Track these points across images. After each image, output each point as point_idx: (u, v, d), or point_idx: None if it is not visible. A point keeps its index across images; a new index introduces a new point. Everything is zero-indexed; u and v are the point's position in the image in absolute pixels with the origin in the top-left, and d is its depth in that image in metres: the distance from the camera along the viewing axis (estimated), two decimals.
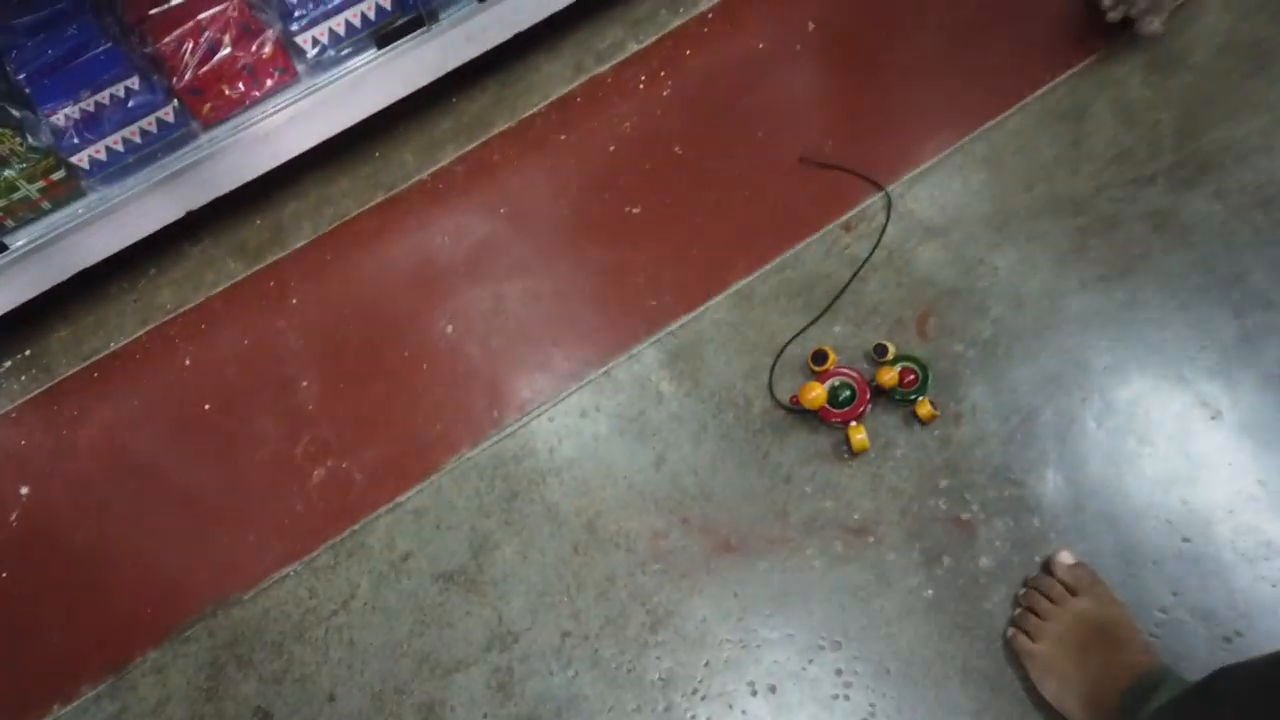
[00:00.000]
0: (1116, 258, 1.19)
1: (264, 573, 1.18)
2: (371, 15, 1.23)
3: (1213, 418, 1.08)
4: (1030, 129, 1.29)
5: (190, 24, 1.15)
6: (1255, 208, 1.17)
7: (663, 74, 1.43)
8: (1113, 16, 1.26)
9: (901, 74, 1.38)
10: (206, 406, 1.29)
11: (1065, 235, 1.21)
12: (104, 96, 1.12)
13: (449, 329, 1.30)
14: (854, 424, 1.10)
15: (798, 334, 1.21)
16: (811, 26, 1.43)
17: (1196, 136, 1.24)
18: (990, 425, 1.11)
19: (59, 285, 1.28)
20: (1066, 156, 1.26)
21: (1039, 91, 1.31)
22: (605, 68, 1.45)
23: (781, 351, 1.20)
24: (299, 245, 1.38)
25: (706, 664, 1.06)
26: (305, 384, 1.29)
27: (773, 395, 1.18)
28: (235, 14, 1.16)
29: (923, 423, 1.12)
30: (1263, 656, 0.69)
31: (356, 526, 1.20)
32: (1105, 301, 1.16)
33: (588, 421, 1.21)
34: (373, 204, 1.40)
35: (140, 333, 1.35)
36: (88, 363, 1.33)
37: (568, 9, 1.39)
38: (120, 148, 1.17)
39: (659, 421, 1.20)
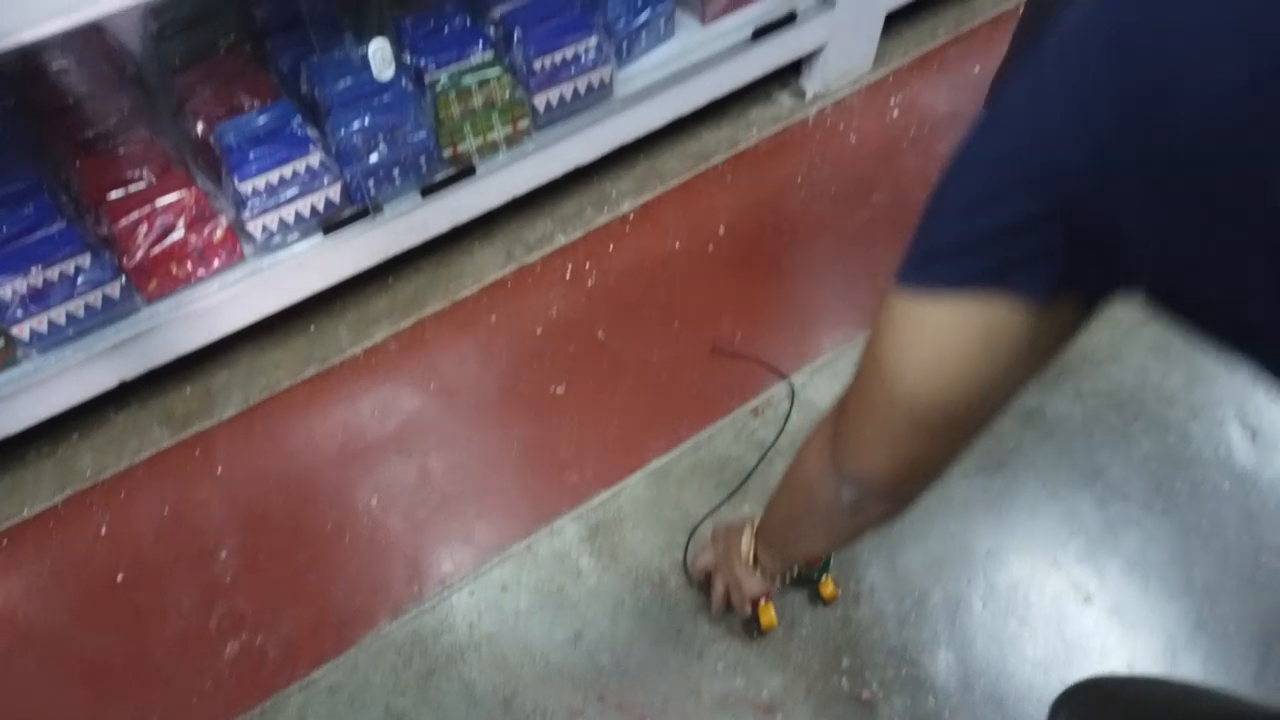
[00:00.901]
0: (993, 449, 1.32)
1: None
2: (321, 206, 1.32)
3: (1084, 601, 1.18)
4: None
5: (147, 208, 1.22)
6: (1109, 409, 1.33)
7: (587, 266, 1.56)
8: None
9: (802, 275, 1.53)
10: (119, 577, 1.27)
11: None
12: (53, 273, 1.17)
13: (373, 501, 1.33)
14: (763, 602, 1.16)
15: (710, 513, 1.28)
16: (722, 230, 1.59)
17: None
18: (887, 606, 1.19)
19: None
20: None
21: None
22: (535, 257, 1.57)
23: (695, 529, 1.27)
24: (228, 415, 1.41)
25: None
26: (224, 555, 1.29)
27: (687, 572, 1.24)
28: (192, 201, 1.24)
29: (825, 601, 1.19)
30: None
31: (267, 704, 1.18)
32: (985, 489, 1.28)
33: (508, 596, 1.25)
34: (305, 377, 1.45)
35: (57, 499, 1.33)
36: None
37: (502, 204, 1.52)
38: (62, 321, 1.20)
39: (578, 597, 1.24)
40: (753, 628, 1.17)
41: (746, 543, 1.04)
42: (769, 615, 1.16)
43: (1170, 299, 0.51)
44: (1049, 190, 0.47)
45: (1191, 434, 1.31)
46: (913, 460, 0.64)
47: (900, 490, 0.68)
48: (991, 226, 0.51)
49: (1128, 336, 1.40)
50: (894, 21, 1.77)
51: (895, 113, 1.74)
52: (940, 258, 0.55)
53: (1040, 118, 0.47)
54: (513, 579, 1.26)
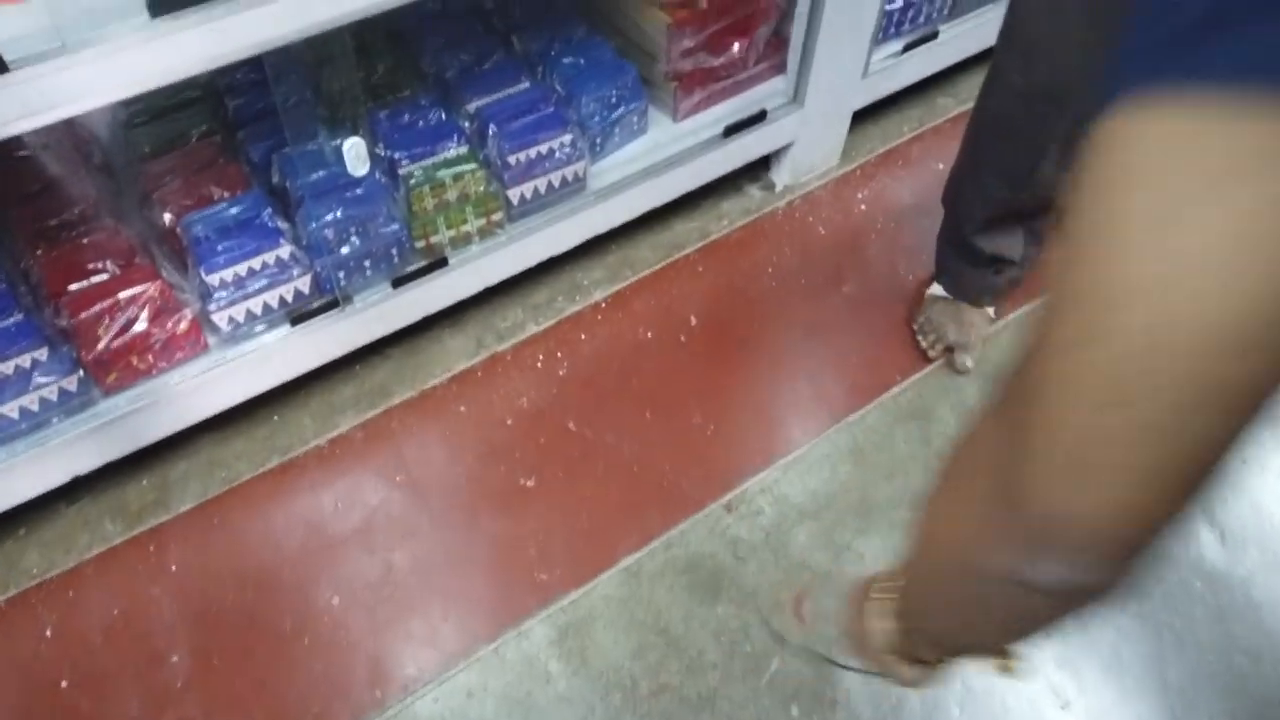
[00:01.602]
0: None
1: None
2: (289, 298, 1.30)
3: (1062, 707, 1.17)
4: (886, 425, 1.45)
5: (109, 300, 1.19)
6: None
7: (559, 355, 1.55)
8: (932, 354, 1.50)
9: (774, 366, 1.53)
10: (63, 683, 1.20)
11: None
12: (8, 367, 1.13)
13: (335, 600, 1.29)
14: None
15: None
16: (694, 320, 1.59)
17: None
18: (864, 712, 1.17)
19: None
20: (919, 453, 1.41)
21: (892, 391, 1.49)
22: (506, 346, 1.56)
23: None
24: (185, 508, 1.37)
25: None
26: (176, 659, 1.23)
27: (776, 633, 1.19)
28: (156, 294, 1.21)
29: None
30: None
31: None
32: None
33: (474, 703, 1.20)
34: (267, 468, 1.41)
35: None
36: None
37: (473, 294, 1.51)
38: (15, 415, 1.16)
39: (546, 703, 1.20)
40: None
41: (882, 632, 0.75)
42: (1006, 664, 0.95)
43: None
44: None
45: None
46: (1183, 463, 0.34)
47: (1141, 536, 0.38)
48: None
49: None
50: (860, 118, 1.81)
51: (862, 206, 1.77)
52: (1225, 24, 0.28)
53: None
54: (479, 684, 1.21)
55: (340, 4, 1.03)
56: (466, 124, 1.46)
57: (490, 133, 1.42)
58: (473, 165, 1.38)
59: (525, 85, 1.51)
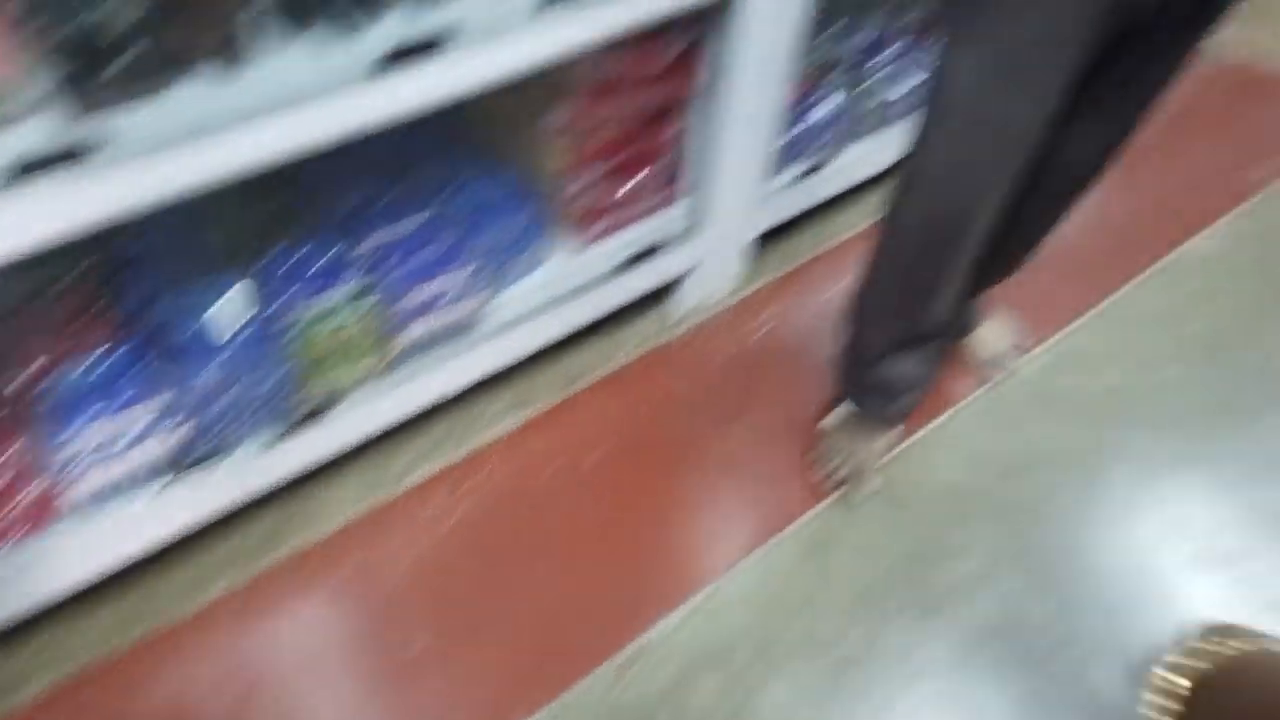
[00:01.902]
0: (875, 690, 1.29)
1: None
2: (162, 456, 1.23)
3: None
4: (786, 563, 1.43)
5: None
6: (984, 641, 1.33)
7: (453, 499, 1.49)
8: (834, 481, 1.50)
9: (676, 503, 1.51)
10: None
11: (828, 666, 1.32)
12: None
13: None
14: None
15: None
16: (595, 456, 1.56)
17: (927, 573, 1.41)
18: None
19: None
20: (820, 590, 1.40)
21: (791, 527, 1.47)
22: (397, 491, 1.50)
23: None
24: (36, 695, 1.24)
25: None
26: None
27: None
28: (14, 459, 1.13)
29: None
30: None
31: None
32: None
33: None
34: (130, 644, 1.30)
35: None
36: None
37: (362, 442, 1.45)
38: None
39: None
40: None
41: (1158, 709, 0.66)
42: None
43: None
44: None
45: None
46: None
47: None
48: None
49: (998, 564, 1.43)
50: (762, 239, 1.84)
51: (765, 330, 1.78)
52: None
53: None
54: None
55: (216, 165, 1.00)
56: (360, 262, 1.43)
57: (384, 270, 1.39)
58: (365, 305, 1.35)
59: (423, 219, 1.49)
